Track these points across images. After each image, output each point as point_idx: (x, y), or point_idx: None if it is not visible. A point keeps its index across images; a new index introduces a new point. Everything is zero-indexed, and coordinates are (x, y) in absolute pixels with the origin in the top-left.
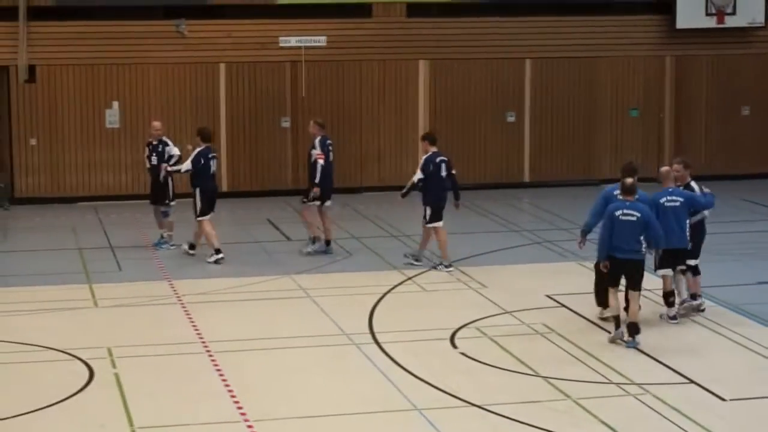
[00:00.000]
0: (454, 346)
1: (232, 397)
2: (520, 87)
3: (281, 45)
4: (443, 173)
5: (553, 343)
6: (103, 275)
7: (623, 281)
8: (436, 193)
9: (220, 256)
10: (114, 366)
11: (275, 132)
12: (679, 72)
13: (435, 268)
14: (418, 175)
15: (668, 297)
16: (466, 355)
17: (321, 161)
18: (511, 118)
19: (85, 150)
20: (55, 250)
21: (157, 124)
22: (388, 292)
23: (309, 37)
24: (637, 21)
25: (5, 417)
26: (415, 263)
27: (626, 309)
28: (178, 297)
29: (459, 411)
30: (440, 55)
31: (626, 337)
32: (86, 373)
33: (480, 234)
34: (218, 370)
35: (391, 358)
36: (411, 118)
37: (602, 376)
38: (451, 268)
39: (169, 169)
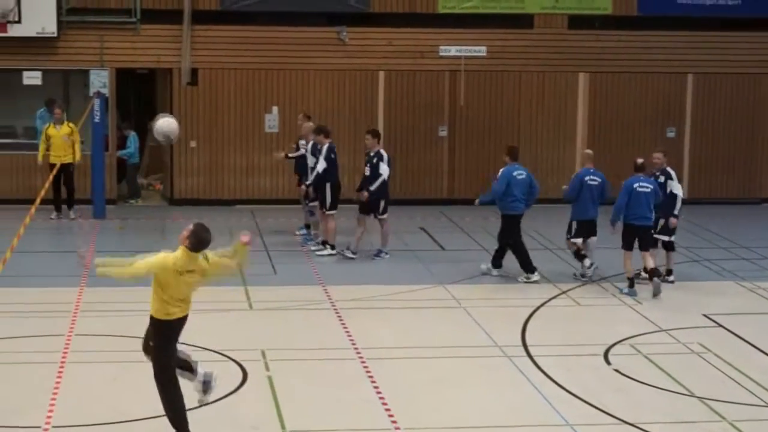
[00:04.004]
0: (607, 362)
1: (384, 404)
2: (681, 102)
3: (441, 54)
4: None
5: (710, 363)
6: (258, 278)
7: None
8: (337, 181)
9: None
10: (267, 369)
11: (432, 140)
12: None
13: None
14: (322, 164)
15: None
16: (620, 372)
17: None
18: (671, 134)
19: (244, 153)
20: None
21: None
22: (542, 305)
23: (469, 47)
24: None
25: (160, 415)
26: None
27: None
28: (331, 302)
29: (612, 428)
30: (601, 68)
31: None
32: (240, 375)
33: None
34: (370, 377)
35: (544, 372)
36: (569, 131)
37: (759, 398)
38: (334, 251)
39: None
